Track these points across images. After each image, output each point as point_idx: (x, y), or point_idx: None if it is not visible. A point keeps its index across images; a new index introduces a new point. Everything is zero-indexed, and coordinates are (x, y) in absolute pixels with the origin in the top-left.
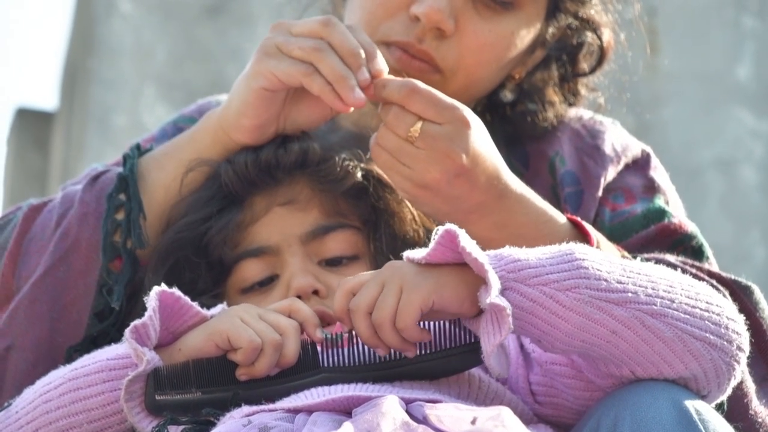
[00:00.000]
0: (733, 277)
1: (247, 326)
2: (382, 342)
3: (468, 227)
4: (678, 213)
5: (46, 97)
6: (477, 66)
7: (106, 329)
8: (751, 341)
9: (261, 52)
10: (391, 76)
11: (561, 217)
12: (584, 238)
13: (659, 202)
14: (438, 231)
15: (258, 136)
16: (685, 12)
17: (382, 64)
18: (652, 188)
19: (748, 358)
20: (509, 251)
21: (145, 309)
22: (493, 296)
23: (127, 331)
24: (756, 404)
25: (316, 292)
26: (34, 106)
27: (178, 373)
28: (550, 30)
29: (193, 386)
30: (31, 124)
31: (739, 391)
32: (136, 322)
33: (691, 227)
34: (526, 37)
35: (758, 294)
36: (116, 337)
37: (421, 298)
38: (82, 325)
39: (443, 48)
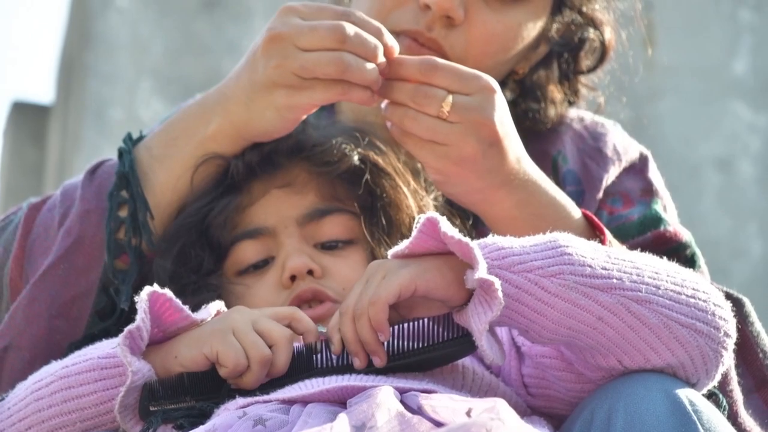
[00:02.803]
0: (725, 289)
1: (238, 342)
2: (363, 349)
3: (496, 205)
4: (673, 219)
5: (43, 91)
6: (484, 56)
7: (107, 328)
8: (739, 354)
9: (285, 86)
10: (404, 56)
11: (576, 209)
12: (595, 232)
13: (656, 207)
14: (419, 220)
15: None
16: (682, 6)
17: (392, 42)
18: (649, 191)
19: (736, 368)
20: (492, 239)
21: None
22: (482, 272)
23: (120, 337)
24: (743, 412)
25: (310, 273)
26: (31, 99)
27: (172, 384)
28: (555, 25)
29: (187, 395)
30: (28, 117)
31: (729, 398)
32: (130, 327)
33: (686, 236)
34: (532, 30)
35: (749, 307)
36: (117, 335)
37: (402, 280)
38: (82, 322)
39: (452, 37)
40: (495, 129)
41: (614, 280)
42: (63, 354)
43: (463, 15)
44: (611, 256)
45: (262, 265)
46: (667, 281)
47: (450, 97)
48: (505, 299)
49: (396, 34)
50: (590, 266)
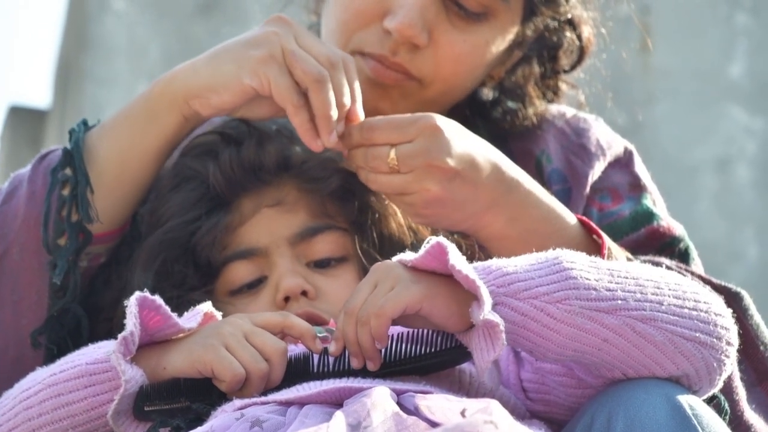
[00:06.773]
0: (723, 283)
1: (232, 355)
2: (361, 352)
3: (486, 228)
4: (663, 213)
5: (40, 95)
6: (454, 75)
7: (66, 306)
8: (739, 348)
9: (268, 51)
10: (349, 125)
11: (571, 216)
12: (592, 239)
13: (646, 202)
14: (429, 241)
15: (217, 114)
16: (678, 9)
17: (360, 113)
18: (638, 186)
19: (738, 364)
20: (497, 263)
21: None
22: (486, 312)
23: (115, 345)
24: (747, 410)
25: (304, 293)
26: (28, 103)
27: (167, 387)
28: (528, 32)
29: (183, 397)
30: (25, 121)
31: (735, 395)
32: (124, 333)
33: (678, 230)
34: (501, 44)
35: (747, 300)
36: (78, 312)
37: (411, 296)
38: (44, 305)
39: (418, 59)
40: (447, 165)
41: (619, 301)
42: (30, 342)
43: (426, 39)
44: (614, 275)
45: (255, 285)
46: (669, 295)
47: (392, 151)
48: (510, 326)
49: (362, 55)
50: (595, 289)
